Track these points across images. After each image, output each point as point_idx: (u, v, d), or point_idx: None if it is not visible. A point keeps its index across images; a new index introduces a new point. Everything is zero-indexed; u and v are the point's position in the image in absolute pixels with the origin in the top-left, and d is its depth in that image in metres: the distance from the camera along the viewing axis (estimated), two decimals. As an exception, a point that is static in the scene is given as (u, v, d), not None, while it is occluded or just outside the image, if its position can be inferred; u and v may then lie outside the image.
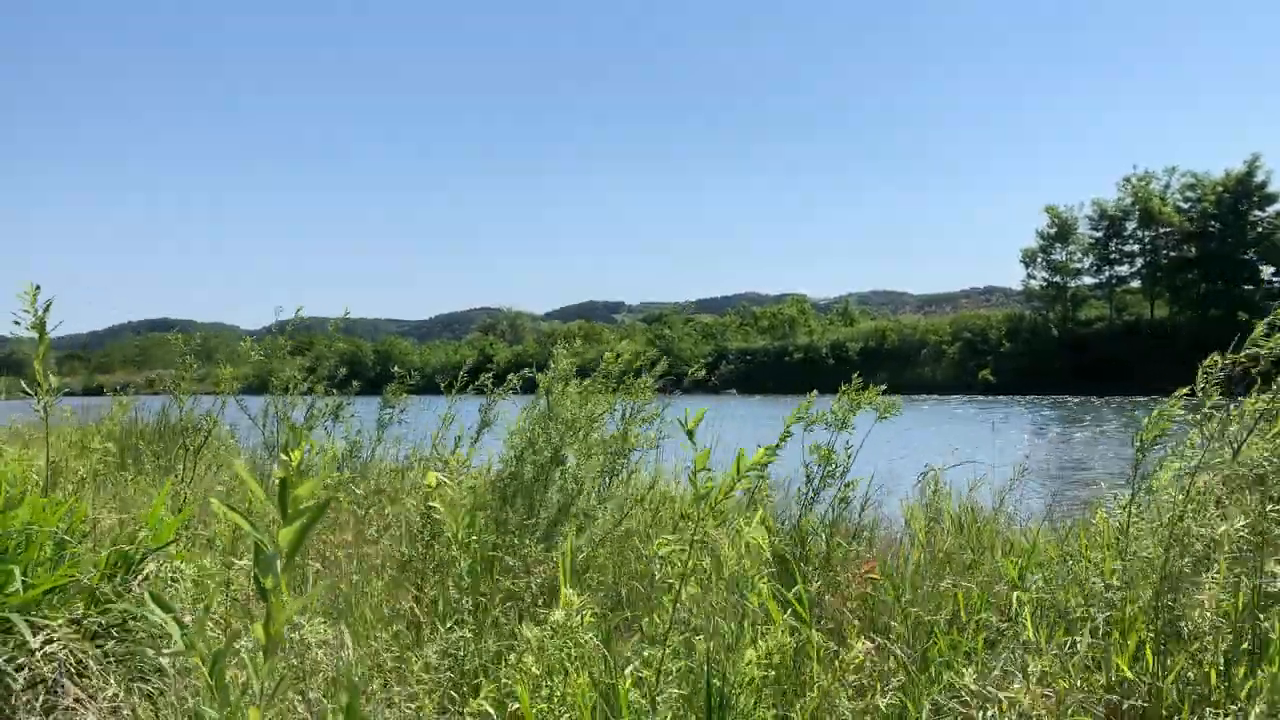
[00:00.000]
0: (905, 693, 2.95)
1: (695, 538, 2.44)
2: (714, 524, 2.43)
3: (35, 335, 3.51)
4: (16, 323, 3.61)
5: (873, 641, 3.20)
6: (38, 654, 2.46)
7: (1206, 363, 2.71)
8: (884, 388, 4.31)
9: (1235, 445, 2.64)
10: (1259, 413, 2.61)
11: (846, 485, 4.17)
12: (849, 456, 4.17)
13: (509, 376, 5.39)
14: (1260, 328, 2.64)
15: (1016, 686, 2.33)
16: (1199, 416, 2.78)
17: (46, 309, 3.59)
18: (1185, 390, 2.83)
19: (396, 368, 7.04)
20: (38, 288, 3.62)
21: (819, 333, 75.85)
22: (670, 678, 2.52)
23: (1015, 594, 3.19)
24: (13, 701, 2.46)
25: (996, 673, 2.53)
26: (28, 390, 3.79)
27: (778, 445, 2.97)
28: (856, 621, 3.64)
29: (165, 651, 2.63)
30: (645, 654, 2.56)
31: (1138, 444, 2.90)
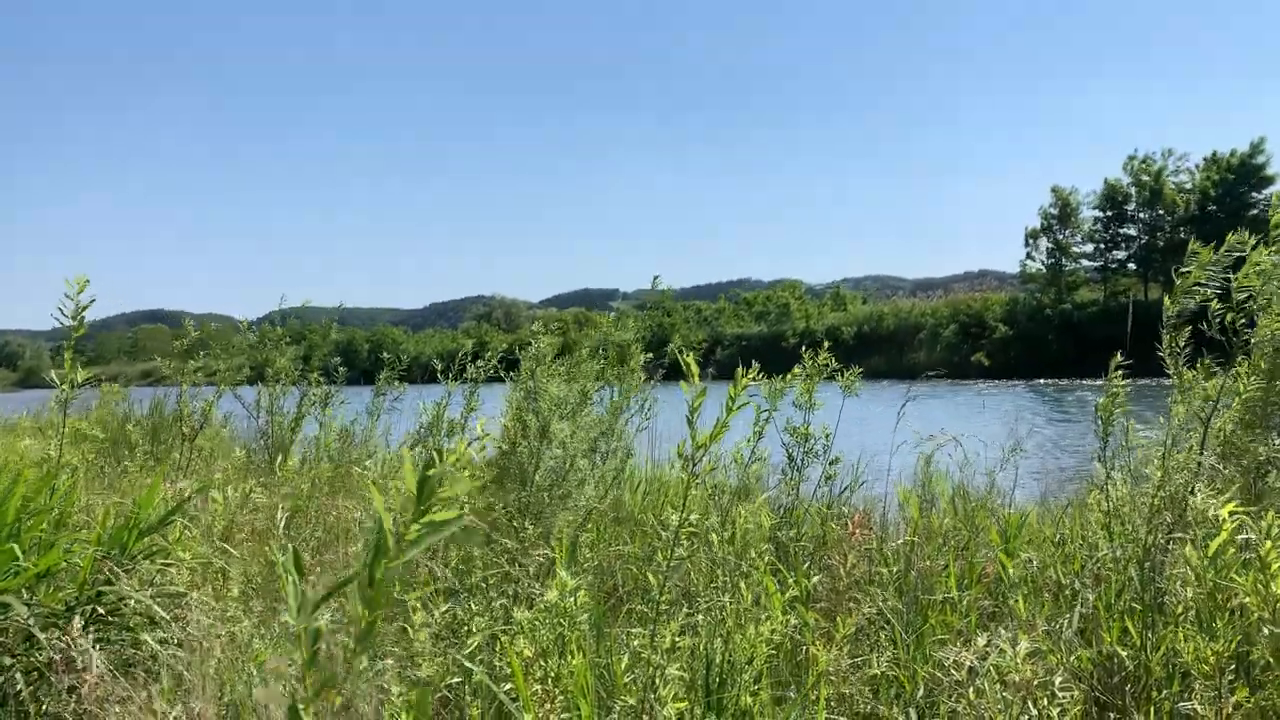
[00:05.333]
0: (900, 666, 2.98)
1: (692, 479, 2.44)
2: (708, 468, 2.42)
3: (31, 329, 3.52)
4: (59, 310, 3.61)
5: (872, 608, 3.22)
6: (33, 637, 2.47)
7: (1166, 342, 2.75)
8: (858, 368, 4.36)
9: (1205, 418, 2.66)
10: (1221, 386, 2.64)
11: (831, 463, 4.18)
12: (827, 436, 4.19)
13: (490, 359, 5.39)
14: (1169, 300, 2.71)
15: (1008, 658, 2.35)
16: (1175, 396, 2.81)
17: (86, 306, 3.59)
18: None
19: (385, 354, 7.00)
20: (87, 280, 3.61)
21: (814, 317, 75.79)
22: (674, 654, 2.53)
23: (1006, 567, 3.21)
24: (8, 685, 2.47)
25: (987, 647, 2.55)
26: (54, 380, 3.80)
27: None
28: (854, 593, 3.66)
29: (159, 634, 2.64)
30: (644, 633, 2.57)
31: (1099, 427, 2.94)
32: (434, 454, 1.11)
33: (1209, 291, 2.64)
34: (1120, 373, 2.85)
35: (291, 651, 1.20)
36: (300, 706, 1.14)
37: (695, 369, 2.24)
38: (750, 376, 2.40)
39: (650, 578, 2.66)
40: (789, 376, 4.27)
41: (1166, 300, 2.73)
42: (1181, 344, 2.73)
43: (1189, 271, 2.72)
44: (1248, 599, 2.14)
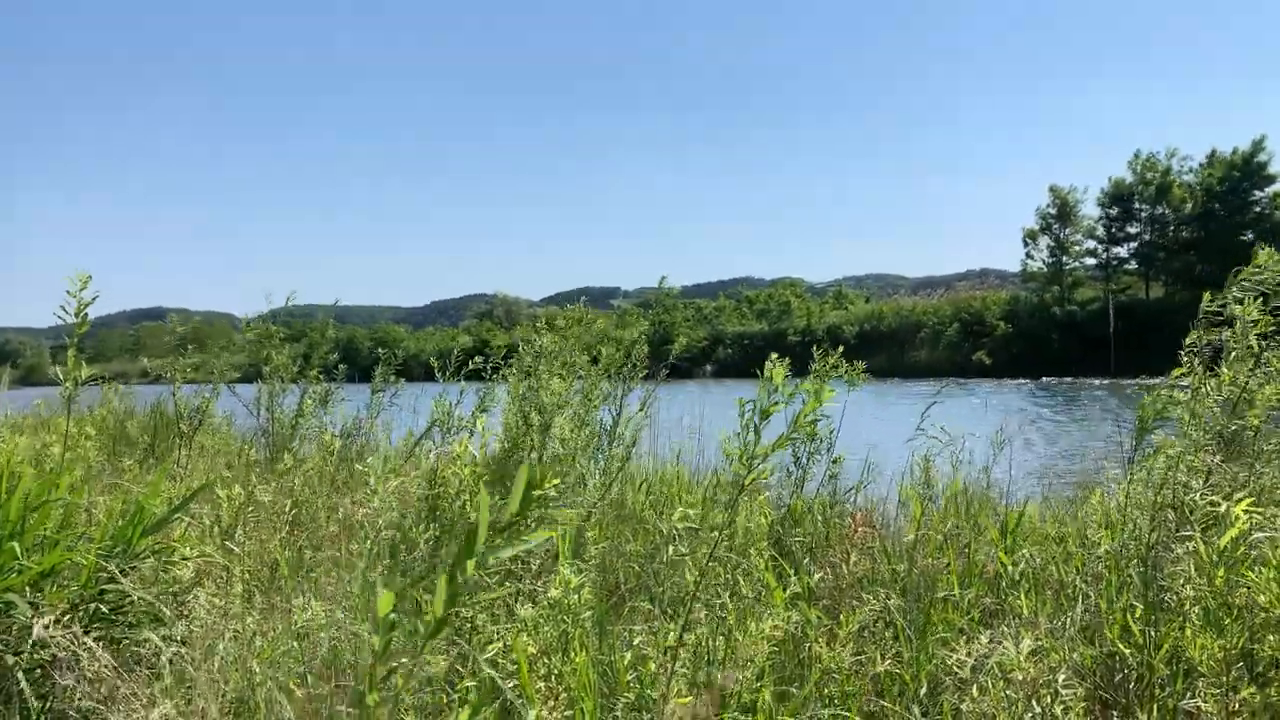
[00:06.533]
0: (903, 664, 2.98)
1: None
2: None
3: (31, 327, 3.51)
4: (63, 308, 3.59)
5: (876, 600, 3.22)
6: (37, 635, 2.47)
7: (1187, 341, 2.74)
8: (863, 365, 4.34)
9: (1224, 421, 2.65)
10: (1243, 388, 2.63)
11: (835, 461, 4.17)
12: (832, 432, 4.18)
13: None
14: (1207, 298, 2.69)
15: (1011, 656, 2.35)
16: (1189, 395, 2.80)
17: (88, 302, 3.57)
18: (1179, 371, 2.86)
19: (381, 349, 6.99)
20: (89, 277, 3.59)
21: (815, 315, 75.77)
22: (681, 649, 2.53)
23: (1005, 564, 3.20)
24: (11, 684, 2.47)
25: (989, 645, 2.55)
26: (58, 378, 3.78)
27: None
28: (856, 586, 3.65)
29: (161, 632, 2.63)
30: (650, 632, 2.56)
31: (1138, 423, 2.92)
32: (536, 471, 1.15)
33: (1252, 295, 2.62)
34: (1180, 375, 2.84)
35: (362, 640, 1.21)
36: (366, 693, 1.16)
37: (782, 371, 2.05)
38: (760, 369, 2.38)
39: (653, 579, 2.66)
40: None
41: (1207, 297, 2.70)
42: (1210, 341, 2.72)
43: (1250, 271, 2.69)
44: (1261, 596, 2.13)
